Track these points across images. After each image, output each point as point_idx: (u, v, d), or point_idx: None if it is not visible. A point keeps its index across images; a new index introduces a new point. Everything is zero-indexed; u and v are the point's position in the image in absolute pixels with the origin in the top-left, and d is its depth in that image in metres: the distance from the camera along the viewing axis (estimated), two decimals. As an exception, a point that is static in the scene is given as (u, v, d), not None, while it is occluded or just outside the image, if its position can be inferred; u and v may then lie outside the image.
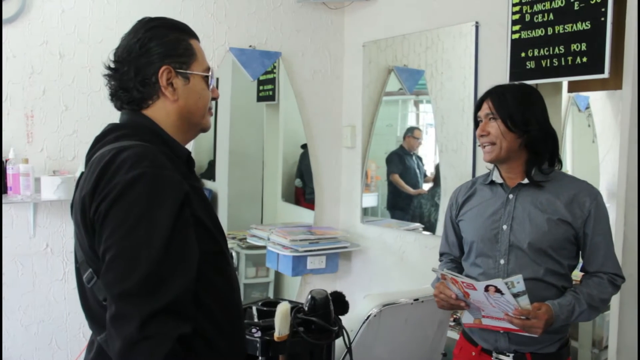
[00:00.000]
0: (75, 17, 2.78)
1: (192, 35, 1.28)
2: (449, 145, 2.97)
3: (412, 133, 3.36)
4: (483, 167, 1.86)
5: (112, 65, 1.23)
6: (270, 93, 3.52)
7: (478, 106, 1.77)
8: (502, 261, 1.69)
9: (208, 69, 1.27)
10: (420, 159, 3.30)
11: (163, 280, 1.02)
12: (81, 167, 2.78)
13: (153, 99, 1.21)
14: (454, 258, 1.92)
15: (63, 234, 2.80)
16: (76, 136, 2.81)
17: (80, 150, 2.80)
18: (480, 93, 1.86)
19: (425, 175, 3.27)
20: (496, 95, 1.72)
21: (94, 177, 1.08)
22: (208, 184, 3.53)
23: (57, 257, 2.81)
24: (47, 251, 2.79)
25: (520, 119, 1.67)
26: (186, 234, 1.08)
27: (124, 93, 1.22)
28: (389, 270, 3.33)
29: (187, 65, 1.23)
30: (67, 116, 2.79)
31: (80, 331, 2.86)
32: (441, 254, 1.98)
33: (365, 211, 3.55)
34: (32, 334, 2.78)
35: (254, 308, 1.75)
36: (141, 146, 1.11)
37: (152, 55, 1.19)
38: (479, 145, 1.78)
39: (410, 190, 3.32)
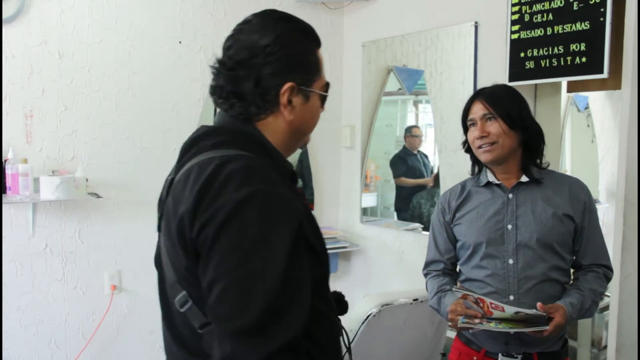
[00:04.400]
0: (74, 17, 2.77)
1: (319, 43, 1.14)
2: (449, 145, 2.97)
3: (410, 132, 3.37)
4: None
5: (228, 64, 1.07)
6: (270, 93, 3.51)
7: (467, 109, 1.75)
8: (510, 261, 1.68)
9: (327, 86, 1.13)
10: (425, 156, 3.29)
11: (281, 316, 0.90)
12: (85, 168, 2.77)
13: (267, 113, 1.07)
14: (444, 269, 1.84)
15: (62, 234, 2.80)
16: (75, 136, 2.80)
17: (79, 150, 2.79)
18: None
19: (432, 172, 3.25)
20: (489, 95, 1.71)
21: (194, 192, 0.94)
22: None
23: (56, 257, 2.80)
24: (46, 251, 2.78)
25: (517, 117, 1.67)
26: (301, 261, 0.95)
27: (238, 102, 1.06)
28: (388, 270, 3.33)
29: (310, 82, 1.08)
30: (66, 116, 2.78)
31: (79, 331, 2.85)
32: (428, 264, 1.88)
33: (364, 211, 3.55)
34: (31, 334, 2.77)
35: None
36: (247, 157, 0.98)
37: (278, 67, 1.04)
38: (469, 149, 1.77)
39: (417, 182, 3.31)
